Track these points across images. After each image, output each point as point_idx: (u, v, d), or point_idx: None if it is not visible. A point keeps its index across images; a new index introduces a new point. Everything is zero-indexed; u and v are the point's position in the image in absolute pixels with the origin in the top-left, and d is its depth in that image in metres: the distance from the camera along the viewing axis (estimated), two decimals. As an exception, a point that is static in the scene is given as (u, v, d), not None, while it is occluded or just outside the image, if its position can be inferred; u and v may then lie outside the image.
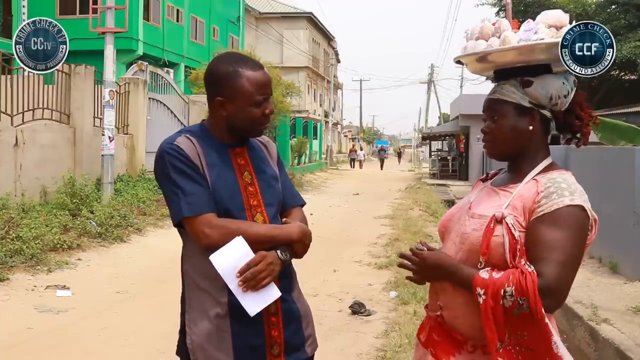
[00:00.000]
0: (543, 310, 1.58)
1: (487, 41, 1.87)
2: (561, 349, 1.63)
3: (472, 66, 2.01)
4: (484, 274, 1.65)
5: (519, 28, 1.85)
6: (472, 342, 1.75)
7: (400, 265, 1.86)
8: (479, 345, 1.73)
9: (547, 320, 1.60)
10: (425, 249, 1.80)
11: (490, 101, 1.86)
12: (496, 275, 1.63)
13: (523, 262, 1.63)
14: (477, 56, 1.90)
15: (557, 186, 1.69)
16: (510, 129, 1.81)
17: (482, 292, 1.63)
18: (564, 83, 1.80)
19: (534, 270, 1.60)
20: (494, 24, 1.89)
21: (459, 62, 2.04)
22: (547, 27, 1.81)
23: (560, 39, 1.80)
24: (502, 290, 1.59)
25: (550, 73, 1.84)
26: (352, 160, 42.91)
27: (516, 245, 1.65)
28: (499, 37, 1.84)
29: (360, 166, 42.04)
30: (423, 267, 1.79)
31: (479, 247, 1.71)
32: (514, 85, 1.82)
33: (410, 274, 1.87)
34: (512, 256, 1.66)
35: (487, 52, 1.86)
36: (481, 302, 1.63)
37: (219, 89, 1.97)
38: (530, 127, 1.80)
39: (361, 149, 48.41)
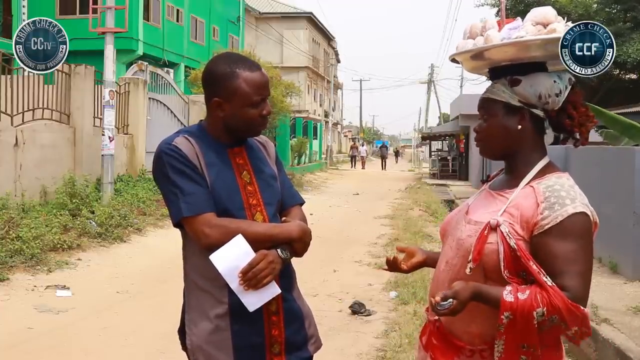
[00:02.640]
0: (586, 313, 1.61)
1: (474, 40, 1.88)
2: None
3: (467, 64, 2.02)
4: (509, 297, 1.62)
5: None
6: (469, 347, 1.75)
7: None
8: (477, 350, 1.73)
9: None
10: (450, 300, 1.65)
11: (482, 100, 1.87)
12: (522, 296, 1.61)
13: (535, 267, 1.62)
14: (469, 54, 1.91)
15: (557, 195, 1.68)
16: (499, 128, 1.81)
17: (508, 315, 1.61)
18: (555, 81, 1.78)
19: (554, 284, 1.61)
20: (482, 23, 1.90)
21: (454, 60, 2.04)
22: (534, 25, 1.81)
23: (544, 36, 1.78)
24: (534, 312, 1.59)
25: (544, 71, 1.83)
26: (353, 158, 40.69)
27: (511, 254, 1.65)
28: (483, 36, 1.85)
29: (363, 165, 40.01)
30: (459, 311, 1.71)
31: (471, 253, 1.71)
32: (503, 84, 1.82)
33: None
34: (505, 264, 1.65)
35: (474, 50, 1.87)
36: (506, 323, 1.62)
37: (216, 89, 1.97)
38: (519, 126, 1.79)
39: (363, 145, 45.85)
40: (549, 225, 1.65)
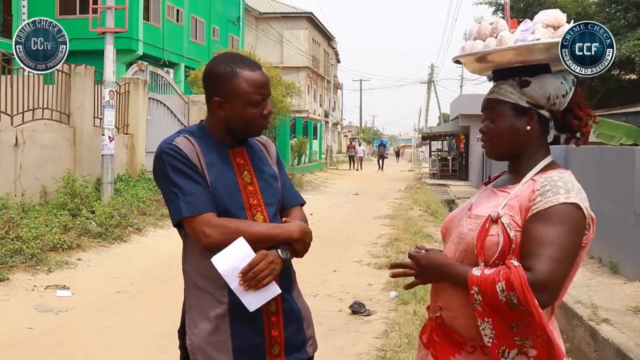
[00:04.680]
0: (537, 304, 1.57)
1: (484, 41, 1.87)
2: (558, 346, 1.63)
3: (470, 66, 2.02)
4: (477, 271, 1.65)
5: (517, 28, 1.85)
6: (471, 342, 1.74)
7: (394, 275, 1.88)
8: (478, 346, 1.73)
9: (543, 314, 1.59)
10: (423, 251, 1.80)
11: (489, 101, 1.87)
12: (488, 272, 1.63)
13: (513, 259, 1.64)
14: (475, 56, 1.91)
15: (553, 184, 1.69)
16: (508, 129, 1.81)
17: (477, 289, 1.63)
18: (562, 83, 1.80)
19: (520, 265, 1.60)
20: (491, 24, 1.89)
21: (457, 61, 2.04)
22: (545, 27, 1.81)
23: (557, 39, 1.79)
24: (496, 286, 1.59)
25: (549, 73, 1.84)
26: (351, 158, 38.74)
27: (511, 245, 1.66)
28: (496, 37, 1.84)
29: (360, 165, 38.29)
30: (418, 269, 1.79)
31: (474, 247, 1.71)
32: (511, 85, 1.83)
33: (407, 280, 1.88)
34: (500, 255, 1.66)
35: (484, 52, 1.86)
36: (479, 300, 1.63)
37: (216, 89, 1.97)
38: (528, 127, 1.80)
39: (360, 145, 43.92)
40: (537, 210, 1.67)
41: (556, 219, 1.64)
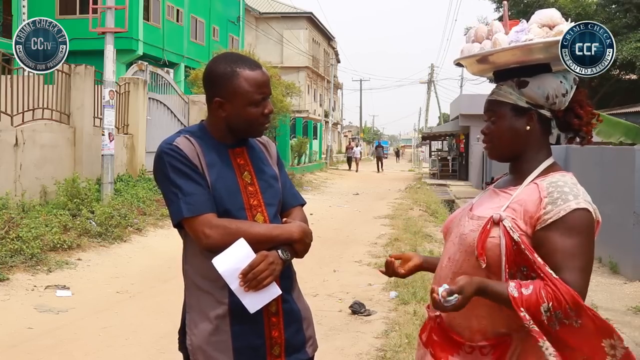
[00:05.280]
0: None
1: (480, 44, 1.88)
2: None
3: (471, 68, 2.02)
4: (514, 291, 1.60)
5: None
6: (469, 343, 1.75)
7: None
8: (477, 347, 1.73)
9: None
10: (457, 296, 1.63)
11: (489, 102, 1.87)
12: (525, 291, 1.59)
13: (542, 262, 1.61)
14: (475, 59, 1.91)
15: (560, 190, 1.69)
16: (507, 129, 1.82)
17: (524, 310, 1.59)
18: (561, 82, 1.79)
19: (559, 278, 1.59)
20: (487, 26, 1.90)
21: (459, 64, 2.04)
22: (540, 27, 1.82)
23: (553, 38, 1.79)
24: (541, 308, 1.57)
25: (549, 72, 1.84)
26: (349, 159, 37.14)
27: (513, 248, 1.65)
28: (491, 40, 1.85)
29: (357, 165, 36.05)
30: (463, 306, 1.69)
31: (475, 248, 1.71)
32: (511, 86, 1.83)
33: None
34: (507, 258, 1.65)
35: (480, 54, 1.87)
36: (531, 325, 1.59)
37: (217, 89, 1.97)
38: (528, 128, 1.80)
39: (357, 145, 41.70)
40: (551, 220, 1.66)
41: (574, 227, 1.64)
